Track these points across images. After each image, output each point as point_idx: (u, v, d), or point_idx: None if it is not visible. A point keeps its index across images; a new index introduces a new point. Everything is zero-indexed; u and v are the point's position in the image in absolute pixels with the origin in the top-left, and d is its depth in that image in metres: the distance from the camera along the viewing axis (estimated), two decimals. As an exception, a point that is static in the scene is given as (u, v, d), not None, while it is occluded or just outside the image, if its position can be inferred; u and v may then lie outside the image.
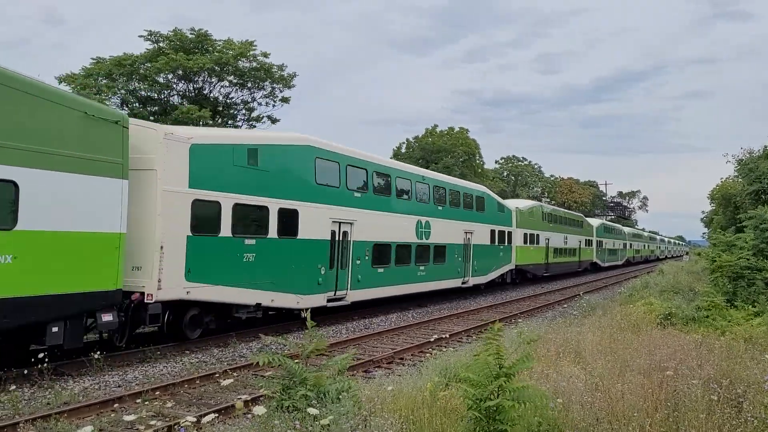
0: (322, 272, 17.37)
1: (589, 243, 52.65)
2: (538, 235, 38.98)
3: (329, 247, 17.90)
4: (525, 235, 36.37)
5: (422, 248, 23.26)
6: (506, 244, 32.96)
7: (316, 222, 17.13)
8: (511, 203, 37.64)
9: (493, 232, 30.83)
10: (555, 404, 6.37)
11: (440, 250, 24.85)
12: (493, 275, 31.29)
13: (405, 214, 22.20)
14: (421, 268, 23.27)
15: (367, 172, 20.03)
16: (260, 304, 15.22)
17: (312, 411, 5.41)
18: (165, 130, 13.06)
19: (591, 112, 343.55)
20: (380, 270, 20.39)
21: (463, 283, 27.34)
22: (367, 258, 19.59)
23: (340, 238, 18.35)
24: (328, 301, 17.77)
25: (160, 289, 12.38)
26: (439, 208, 25.04)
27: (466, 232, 27.38)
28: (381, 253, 20.52)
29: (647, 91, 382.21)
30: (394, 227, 21.38)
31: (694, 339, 10.92)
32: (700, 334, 12.05)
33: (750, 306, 15.74)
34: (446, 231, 25.35)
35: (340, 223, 18.26)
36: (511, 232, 33.77)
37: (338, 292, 18.36)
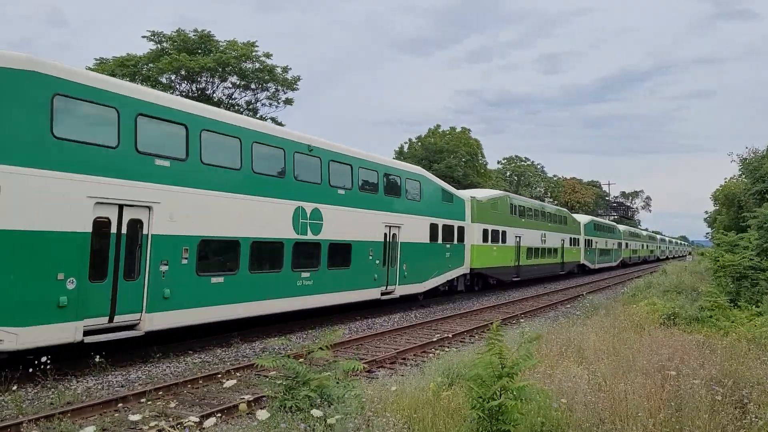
0: (69, 287, 10.60)
1: (575, 242, 46.77)
2: (504, 231, 32.42)
3: (97, 245, 11.23)
4: (485, 231, 30.01)
5: (306, 247, 16.89)
6: (455, 242, 26.67)
7: (60, 203, 10.54)
8: (466, 192, 31.10)
9: (434, 226, 24.57)
10: (558, 404, 6.36)
11: (340, 250, 18.45)
12: (436, 282, 24.95)
13: (271, 198, 15.55)
14: (305, 275, 16.75)
15: (187, 129, 13.18)
16: None
17: (316, 413, 5.40)
18: None
19: (594, 112, 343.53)
20: (216, 280, 13.76)
21: (384, 293, 20.85)
22: (185, 262, 12.99)
23: (125, 231, 11.81)
24: (86, 334, 10.92)
25: None
26: (340, 192, 18.43)
27: (388, 226, 21.14)
28: (217, 253, 14.11)
29: (650, 91, 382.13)
30: (248, 215, 14.68)
31: (697, 339, 10.90)
32: (702, 335, 12.03)
33: (753, 306, 15.70)
34: (352, 224, 18.94)
35: (121, 205, 11.70)
36: (463, 228, 27.53)
37: (118, 317, 11.58)
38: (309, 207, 16.93)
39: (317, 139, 17.81)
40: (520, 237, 34.81)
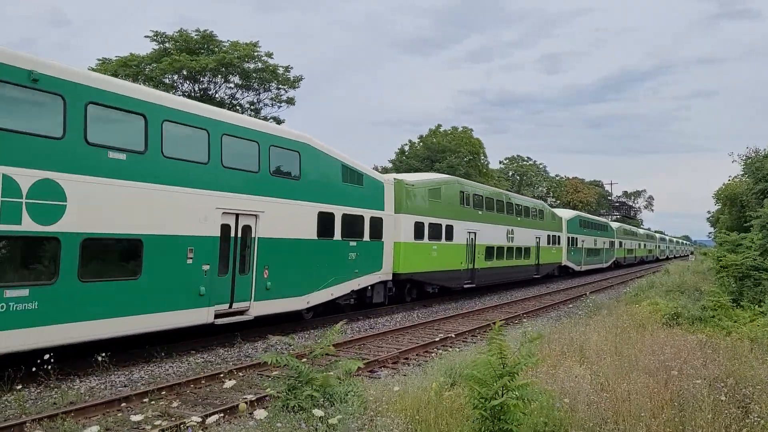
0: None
1: (555, 240, 40.22)
2: (449, 226, 25.47)
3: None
4: (419, 225, 23.22)
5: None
6: (367, 238, 20.00)
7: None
8: (390, 175, 23.66)
9: (326, 217, 17.80)
10: (561, 404, 6.36)
11: (110, 249, 11.70)
12: (330, 293, 18.17)
13: None
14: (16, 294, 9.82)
15: None
16: None
17: (317, 412, 5.41)
18: None
19: (595, 112, 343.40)
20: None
21: (222, 315, 13.94)
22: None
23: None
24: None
25: None
26: (115, 155, 11.48)
27: (231, 214, 14.21)
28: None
29: (652, 91, 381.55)
30: None
31: (699, 339, 10.89)
32: (705, 334, 12.02)
33: (756, 306, 15.68)
34: (143, 207, 11.98)
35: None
36: (381, 219, 20.88)
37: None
38: (33, 176, 10.07)
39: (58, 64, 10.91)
40: (475, 233, 28.04)
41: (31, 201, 10.04)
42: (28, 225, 10.00)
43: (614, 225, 64.35)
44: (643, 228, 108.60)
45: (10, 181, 9.75)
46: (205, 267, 13.45)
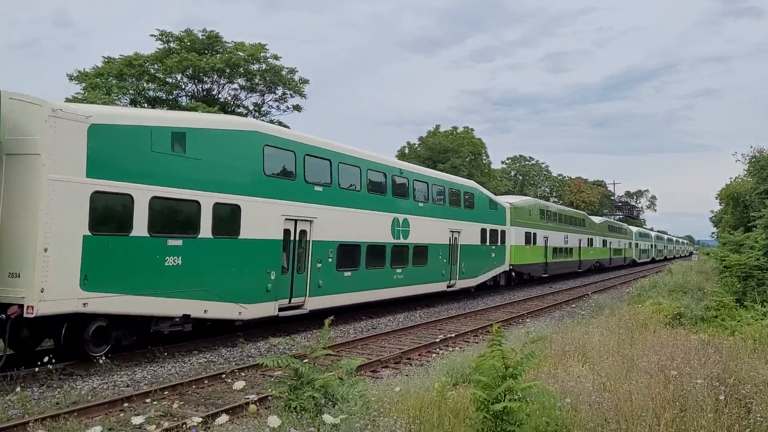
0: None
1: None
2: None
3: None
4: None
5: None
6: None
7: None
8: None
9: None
10: (563, 404, 6.35)
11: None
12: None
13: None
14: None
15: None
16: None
17: (328, 419, 5.35)
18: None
19: (600, 111, 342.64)
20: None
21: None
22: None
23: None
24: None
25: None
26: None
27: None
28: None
29: (656, 90, 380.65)
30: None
31: (702, 339, 10.86)
32: (708, 334, 11.98)
33: (759, 306, 15.64)
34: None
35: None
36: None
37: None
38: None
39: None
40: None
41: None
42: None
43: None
44: (645, 227, 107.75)
45: None
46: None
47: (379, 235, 20.05)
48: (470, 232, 27.13)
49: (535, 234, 36.43)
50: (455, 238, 25.57)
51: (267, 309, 15.05)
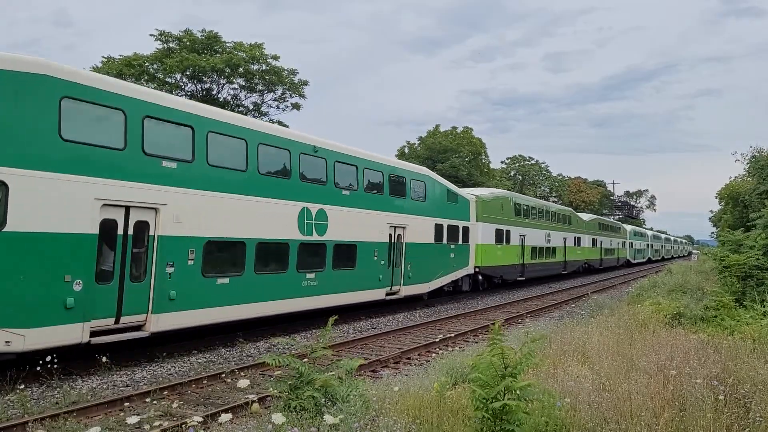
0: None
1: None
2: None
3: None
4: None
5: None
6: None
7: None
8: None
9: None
10: (562, 404, 6.35)
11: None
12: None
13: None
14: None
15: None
16: None
17: (329, 419, 5.36)
18: None
19: (600, 111, 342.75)
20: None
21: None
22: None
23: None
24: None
25: None
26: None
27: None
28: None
29: (657, 90, 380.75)
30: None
31: (701, 339, 10.87)
32: (707, 334, 11.99)
33: (759, 305, 15.63)
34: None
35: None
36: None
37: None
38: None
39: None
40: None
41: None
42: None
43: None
44: (645, 227, 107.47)
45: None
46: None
47: (278, 230, 15.55)
48: (420, 229, 22.87)
49: (508, 231, 32.09)
50: (398, 235, 21.51)
51: (65, 334, 10.56)
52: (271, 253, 15.50)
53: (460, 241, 26.40)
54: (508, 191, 38.03)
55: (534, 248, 36.01)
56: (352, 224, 18.71)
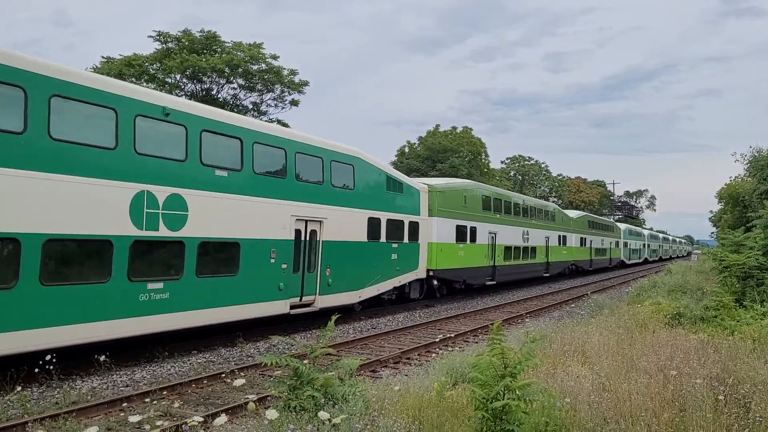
0: None
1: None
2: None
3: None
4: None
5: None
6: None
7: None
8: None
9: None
10: (562, 404, 6.36)
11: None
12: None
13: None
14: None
15: None
16: None
17: (323, 414, 5.39)
18: None
19: (601, 111, 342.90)
20: None
21: (295, 306, 16.48)
22: None
23: None
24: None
25: None
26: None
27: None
28: None
29: (657, 90, 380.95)
30: None
31: (701, 339, 10.88)
32: (707, 334, 12.00)
33: (759, 306, 15.64)
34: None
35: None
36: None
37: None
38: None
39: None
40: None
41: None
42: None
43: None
44: (645, 227, 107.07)
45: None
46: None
47: (88, 222, 10.90)
48: (345, 223, 18.32)
49: (473, 228, 27.56)
50: (312, 231, 16.90)
51: None
52: (76, 256, 11.03)
53: (406, 240, 21.94)
54: (474, 182, 32.64)
55: (508, 248, 31.64)
56: (231, 216, 13.91)
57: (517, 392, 5.58)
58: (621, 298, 23.92)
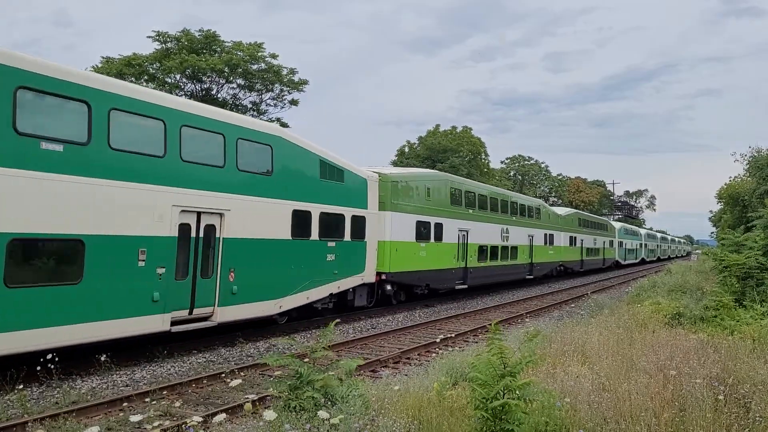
0: None
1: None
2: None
3: None
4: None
5: None
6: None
7: None
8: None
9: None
10: (562, 404, 6.36)
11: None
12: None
13: None
14: None
15: None
16: None
17: (323, 414, 5.39)
18: None
19: (601, 111, 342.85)
20: None
21: (181, 322, 12.81)
22: None
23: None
24: None
25: None
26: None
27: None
28: None
29: (657, 90, 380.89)
30: None
31: (701, 339, 10.88)
32: (707, 334, 12.00)
33: (759, 305, 15.64)
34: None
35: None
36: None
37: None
38: None
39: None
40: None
41: None
42: None
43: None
44: (644, 227, 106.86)
45: None
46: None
47: None
48: (258, 216, 14.75)
49: (439, 225, 24.28)
50: (209, 225, 13.48)
51: None
52: None
53: (348, 237, 18.53)
54: (442, 173, 28.89)
55: (483, 247, 28.30)
56: (68, 204, 10.46)
57: (517, 392, 5.58)
58: (621, 298, 23.93)
